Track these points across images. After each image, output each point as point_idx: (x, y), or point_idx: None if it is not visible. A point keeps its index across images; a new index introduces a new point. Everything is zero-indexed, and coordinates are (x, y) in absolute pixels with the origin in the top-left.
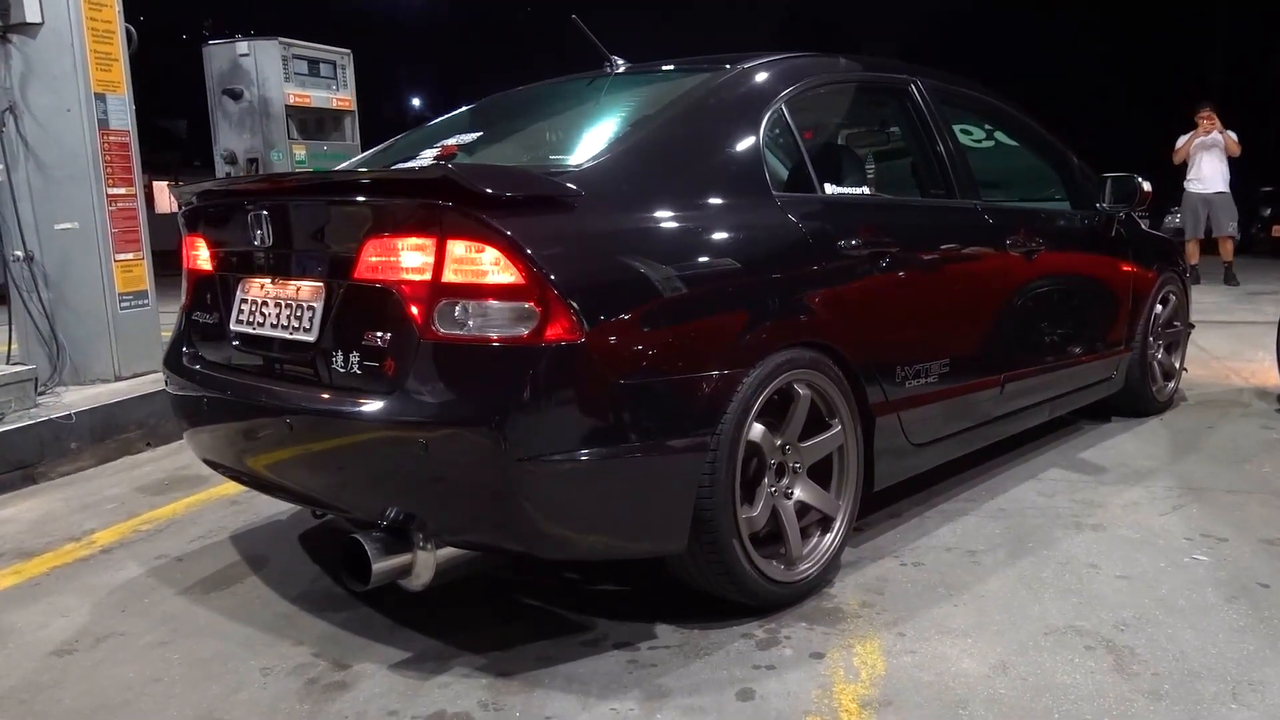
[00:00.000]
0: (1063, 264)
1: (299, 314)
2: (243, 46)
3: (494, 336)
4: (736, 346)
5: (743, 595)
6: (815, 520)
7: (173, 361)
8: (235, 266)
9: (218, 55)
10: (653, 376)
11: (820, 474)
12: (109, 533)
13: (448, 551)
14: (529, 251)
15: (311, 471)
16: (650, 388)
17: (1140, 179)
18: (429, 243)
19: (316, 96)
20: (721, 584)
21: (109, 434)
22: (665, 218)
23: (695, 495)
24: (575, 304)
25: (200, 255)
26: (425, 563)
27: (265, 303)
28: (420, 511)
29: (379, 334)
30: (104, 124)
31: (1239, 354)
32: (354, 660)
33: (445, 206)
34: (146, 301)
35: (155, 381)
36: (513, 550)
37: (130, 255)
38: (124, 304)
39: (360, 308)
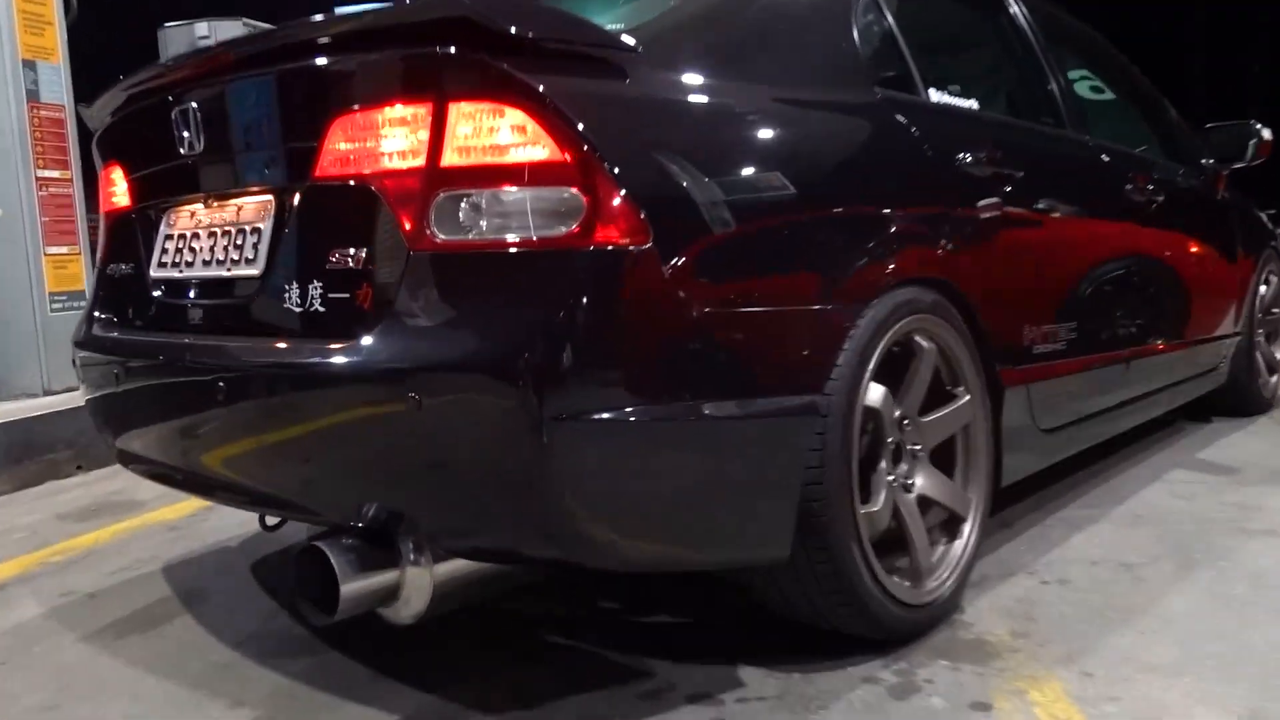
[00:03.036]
0: (1176, 225)
1: (239, 241)
2: (202, 28)
3: (517, 240)
4: (847, 276)
5: (861, 623)
6: (938, 522)
7: (82, 335)
8: (159, 192)
9: (175, 39)
10: (742, 306)
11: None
12: (7, 566)
13: (449, 566)
14: (569, 113)
15: (258, 455)
16: (740, 322)
17: (1260, 125)
18: (422, 110)
19: None
20: (833, 608)
21: (30, 454)
22: (746, 97)
23: (802, 480)
24: (637, 194)
25: (117, 189)
26: (417, 582)
27: (196, 234)
28: (410, 507)
29: (350, 252)
30: (34, 96)
31: None
32: None
33: (446, 55)
34: (83, 302)
35: None
36: (543, 559)
37: (64, 249)
38: (55, 305)
39: (323, 219)
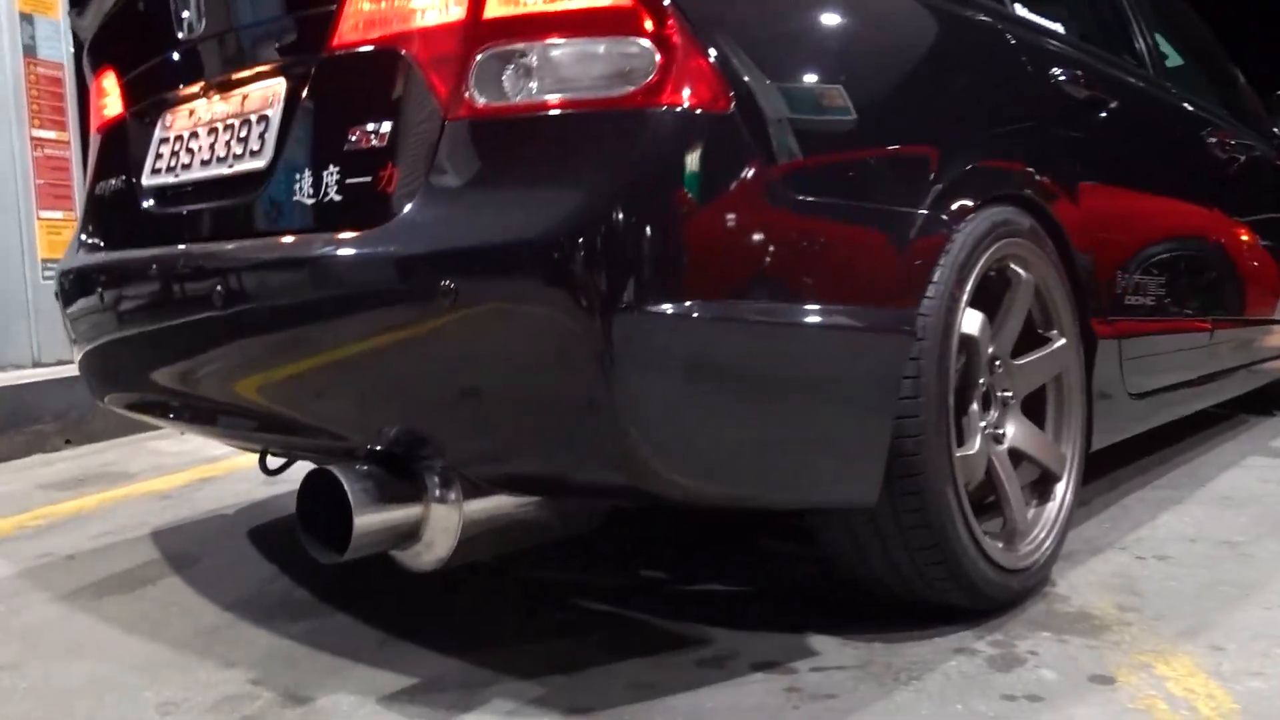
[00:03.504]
0: (1254, 192)
1: (244, 133)
2: None
3: (574, 100)
4: (943, 181)
5: (952, 586)
6: (1027, 483)
7: (66, 265)
8: (155, 88)
9: None
10: (830, 196)
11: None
12: None
13: (481, 504)
14: None
15: (261, 368)
16: (828, 214)
17: None
18: None
19: None
20: (921, 568)
21: (14, 424)
22: None
23: (894, 411)
24: (718, 52)
25: (109, 97)
26: (442, 522)
27: (195, 133)
28: (437, 428)
29: (372, 129)
30: (30, 51)
31: None
32: (318, 689)
33: None
34: None
35: None
36: (593, 487)
37: (59, 214)
38: (48, 273)
39: (342, 95)
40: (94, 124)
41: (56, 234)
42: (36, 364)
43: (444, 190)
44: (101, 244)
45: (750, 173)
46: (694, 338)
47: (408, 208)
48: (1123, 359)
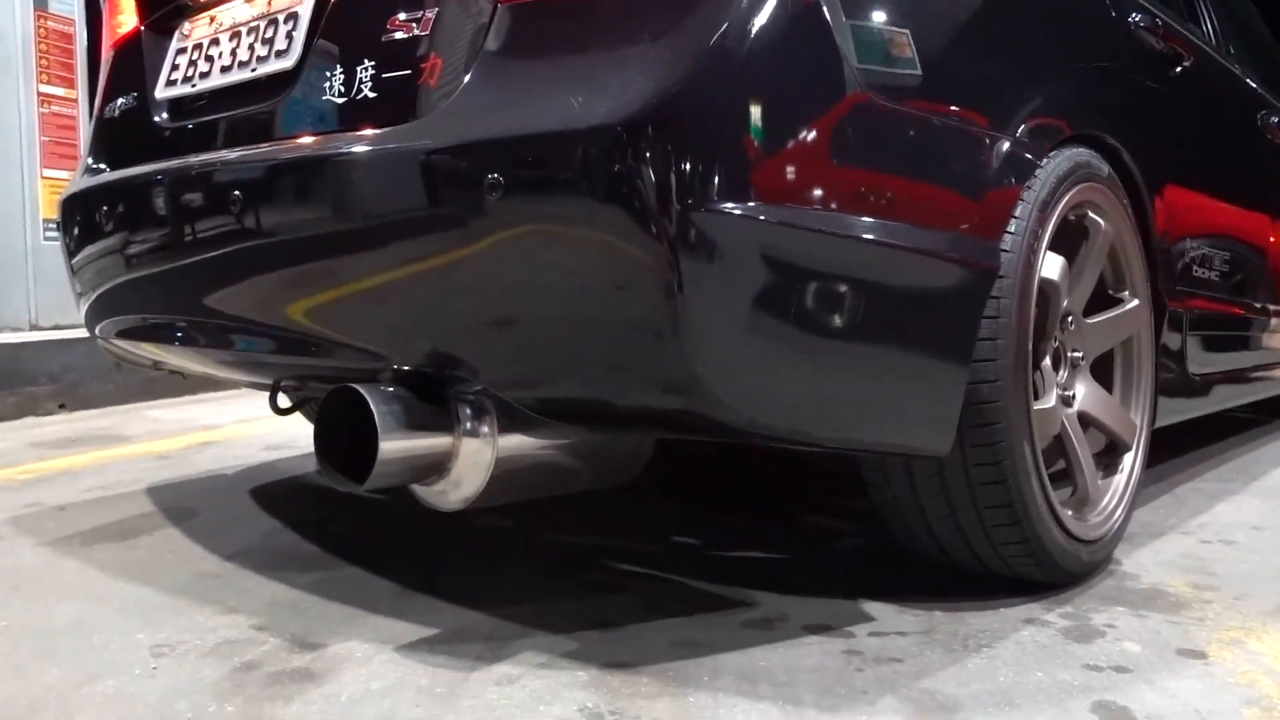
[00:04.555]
0: None
1: (269, 34)
2: None
3: None
4: (1030, 110)
5: (1022, 553)
6: (1093, 453)
7: (70, 191)
8: None
9: None
10: (919, 107)
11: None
12: None
13: (515, 441)
14: None
15: (275, 285)
16: (915, 125)
17: None
18: None
19: None
20: (992, 529)
21: (7, 385)
22: None
23: (972, 353)
24: None
25: (124, 14)
26: (474, 455)
27: (215, 40)
28: (472, 350)
29: (413, 17)
30: (41, 4)
31: None
32: (329, 636)
33: None
34: None
35: (83, 332)
36: (643, 414)
37: (64, 173)
38: (49, 234)
39: None
40: (106, 45)
41: (59, 193)
42: (34, 326)
43: (493, 76)
44: (107, 166)
45: (834, 65)
46: (769, 243)
47: (452, 99)
48: (1186, 335)
